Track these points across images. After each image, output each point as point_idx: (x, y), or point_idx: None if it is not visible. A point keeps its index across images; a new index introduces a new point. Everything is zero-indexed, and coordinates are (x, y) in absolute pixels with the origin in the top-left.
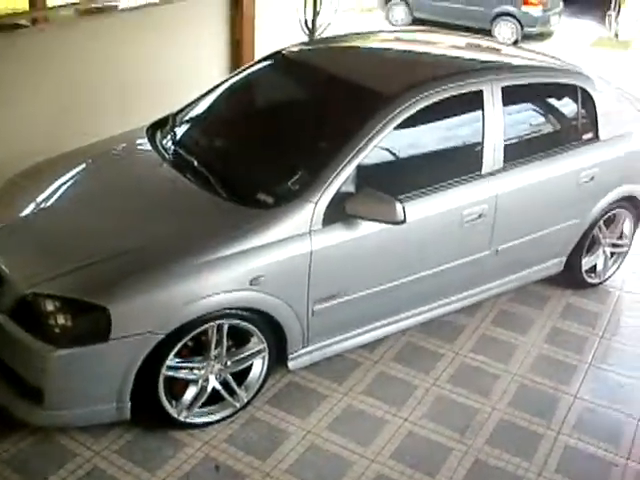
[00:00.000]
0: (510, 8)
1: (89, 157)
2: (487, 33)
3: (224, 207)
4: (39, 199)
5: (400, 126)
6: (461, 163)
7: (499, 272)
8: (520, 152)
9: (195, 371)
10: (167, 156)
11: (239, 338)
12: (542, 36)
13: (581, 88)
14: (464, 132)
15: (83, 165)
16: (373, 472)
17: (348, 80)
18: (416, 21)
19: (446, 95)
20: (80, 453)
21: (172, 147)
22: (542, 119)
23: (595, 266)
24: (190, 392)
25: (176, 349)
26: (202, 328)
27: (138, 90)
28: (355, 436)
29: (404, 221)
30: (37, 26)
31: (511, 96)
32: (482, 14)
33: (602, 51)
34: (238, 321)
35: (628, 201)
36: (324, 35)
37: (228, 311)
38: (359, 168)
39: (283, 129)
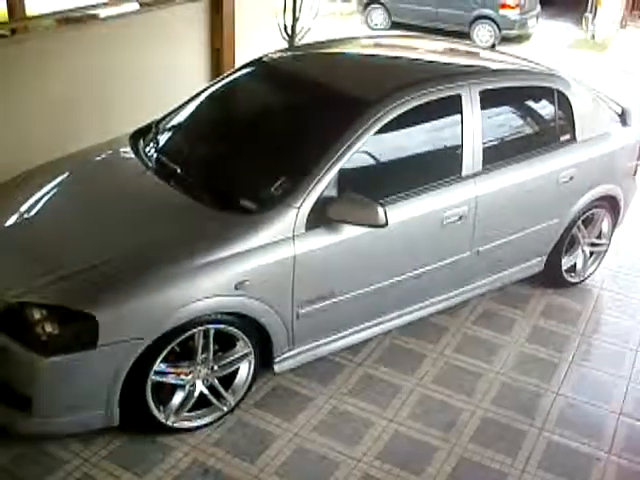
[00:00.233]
0: (488, 11)
1: (72, 166)
2: (466, 36)
3: (208, 214)
4: (22, 209)
5: (381, 131)
6: (441, 166)
7: (480, 273)
8: (499, 154)
9: (182, 376)
10: (150, 164)
11: (225, 342)
12: (520, 39)
13: (558, 91)
14: (444, 136)
15: (67, 174)
16: (360, 472)
17: (328, 86)
18: (395, 25)
19: (425, 100)
20: (69, 460)
21: (155, 155)
22: (520, 122)
23: (575, 265)
24: (178, 397)
25: (163, 355)
26: (189, 333)
27: (120, 98)
28: (341, 437)
29: (386, 224)
30: (16, 36)
31: (489, 99)
32: (460, 18)
33: (579, 53)
34: (224, 326)
35: (606, 201)
36: (304, 41)
37: (214, 316)
38: (341, 173)
39: (265, 135)
